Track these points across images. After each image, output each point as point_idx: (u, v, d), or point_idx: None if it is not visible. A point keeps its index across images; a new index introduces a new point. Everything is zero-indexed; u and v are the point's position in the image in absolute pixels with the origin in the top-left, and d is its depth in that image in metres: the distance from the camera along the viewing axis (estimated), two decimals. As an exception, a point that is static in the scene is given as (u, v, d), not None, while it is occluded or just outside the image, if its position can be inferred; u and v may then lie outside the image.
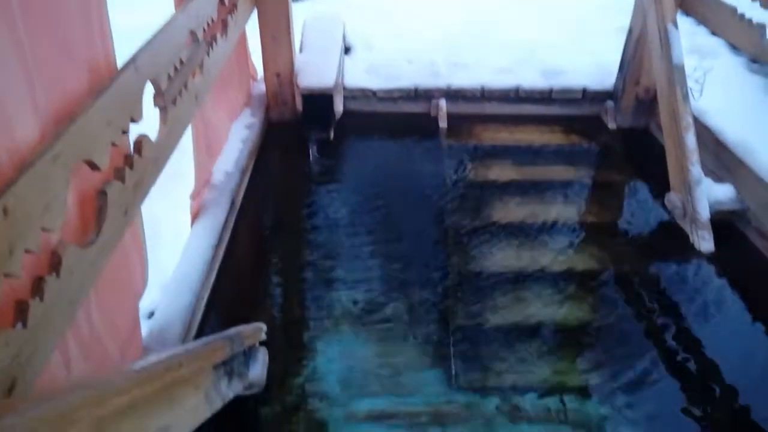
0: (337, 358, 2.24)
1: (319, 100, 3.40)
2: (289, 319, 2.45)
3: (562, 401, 2.08)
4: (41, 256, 1.22)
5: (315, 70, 3.45)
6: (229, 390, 1.52)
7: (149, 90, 1.79)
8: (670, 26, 2.98)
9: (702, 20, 3.78)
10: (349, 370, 2.19)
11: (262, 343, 1.90)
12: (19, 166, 1.14)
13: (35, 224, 1.15)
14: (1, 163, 1.11)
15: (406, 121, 3.80)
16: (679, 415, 2.05)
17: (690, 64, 3.14)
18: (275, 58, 3.49)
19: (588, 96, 3.81)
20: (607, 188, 3.29)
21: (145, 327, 2.05)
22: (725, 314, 2.47)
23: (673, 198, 2.87)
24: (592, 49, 4.09)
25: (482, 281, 2.58)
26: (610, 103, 3.76)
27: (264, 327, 1.87)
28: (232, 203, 2.83)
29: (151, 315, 2.17)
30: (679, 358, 2.26)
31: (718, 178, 2.92)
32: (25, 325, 1.12)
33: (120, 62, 1.63)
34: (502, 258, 2.71)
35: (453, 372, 2.17)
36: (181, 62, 2.04)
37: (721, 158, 2.97)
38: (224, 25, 2.64)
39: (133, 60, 1.65)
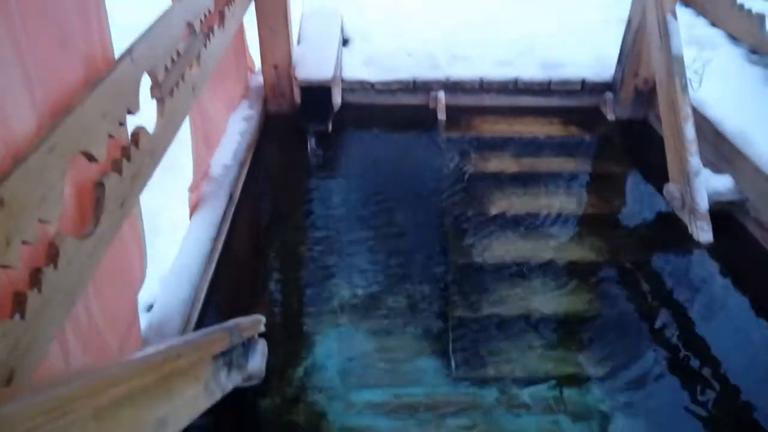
0: (337, 349, 2.25)
1: (317, 93, 3.39)
2: (289, 312, 2.45)
3: (560, 392, 2.09)
4: (39, 247, 1.22)
5: (313, 62, 3.44)
6: (229, 381, 1.52)
7: (146, 82, 1.79)
8: (669, 17, 2.97)
9: (701, 11, 3.78)
10: (348, 362, 2.20)
11: (261, 335, 1.90)
12: (16, 158, 1.14)
13: (32, 216, 1.15)
14: (-3, 154, 1.11)
15: (404, 114, 3.79)
16: (678, 406, 2.06)
17: (689, 55, 3.14)
18: (273, 50, 3.48)
19: (587, 87, 3.80)
20: (606, 179, 3.29)
21: (144, 320, 2.06)
22: (724, 305, 2.48)
23: (672, 189, 2.87)
24: (591, 41, 4.08)
25: (481, 273, 2.58)
26: (609, 95, 3.75)
27: (263, 319, 1.87)
28: (231, 196, 2.82)
29: (150, 308, 2.17)
30: (677, 348, 2.26)
31: (717, 169, 2.92)
32: (23, 316, 1.12)
33: (118, 54, 1.62)
34: (501, 249, 2.71)
35: (452, 363, 2.18)
36: (178, 54, 2.03)
37: (720, 149, 2.97)
38: (221, 17, 2.63)
39: (129, 51, 1.64)
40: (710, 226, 2.69)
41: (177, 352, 1.18)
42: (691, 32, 3.85)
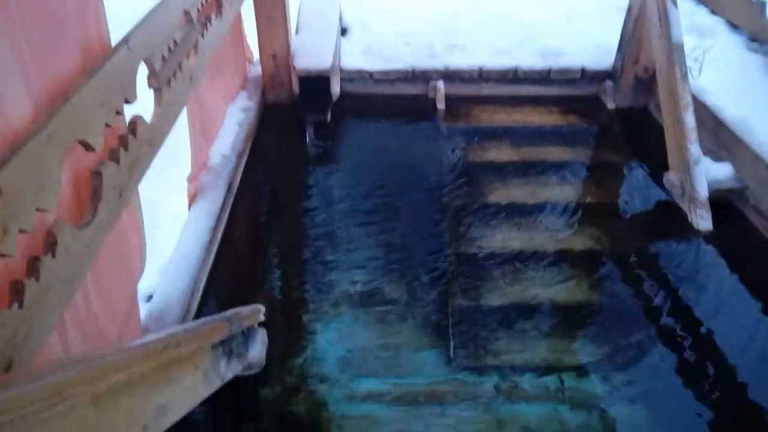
0: (337, 339, 2.25)
1: (315, 82, 3.38)
2: (288, 301, 2.45)
3: (560, 380, 2.09)
4: (36, 236, 1.21)
5: (311, 52, 3.42)
6: (228, 370, 1.53)
7: (144, 72, 1.78)
8: (669, 4, 2.95)
9: (702, -1, 3.76)
10: (348, 351, 2.20)
11: (261, 325, 1.90)
12: (13, 146, 1.13)
13: (29, 204, 1.14)
14: (-7, 142, 1.10)
15: (403, 103, 3.78)
16: (677, 393, 2.07)
17: (689, 43, 3.12)
18: (271, 39, 3.46)
19: (587, 76, 3.79)
20: (606, 168, 3.28)
21: (144, 310, 2.06)
22: (723, 293, 2.48)
23: (671, 177, 2.87)
24: (591, 29, 4.05)
25: (481, 262, 2.58)
26: (609, 83, 3.74)
27: (262, 308, 1.87)
28: (229, 186, 2.82)
29: (149, 298, 2.17)
30: (676, 336, 2.26)
31: (717, 157, 2.92)
32: (21, 305, 1.12)
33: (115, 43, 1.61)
34: (500, 239, 2.71)
35: (452, 352, 2.18)
36: (175, 43, 2.02)
37: (720, 137, 2.96)
38: (219, 6, 2.61)
39: (125, 40, 1.62)
40: (710, 214, 2.69)
41: (176, 340, 1.18)
42: (691, 20, 3.83)
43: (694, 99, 2.93)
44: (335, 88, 3.56)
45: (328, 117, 3.49)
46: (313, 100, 3.45)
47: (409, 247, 2.66)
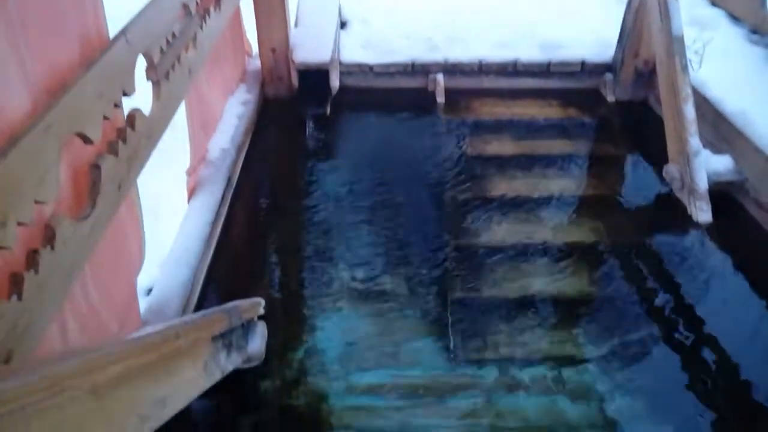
0: (337, 332, 2.25)
1: (315, 76, 3.37)
2: (288, 295, 2.45)
3: (560, 373, 2.09)
4: (35, 229, 1.21)
5: (311, 45, 3.41)
6: (228, 362, 1.53)
7: (142, 65, 1.77)
8: (669, -4, 2.94)
9: (702, -9, 3.74)
10: (348, 344, 2.20)
11: (261, 318, 1.90)
12: (11, 138, 1.13)
13: (28, 196, 1.14)
14: (-9, 134, 1.10)
15: (403, 97, 3.77)
16: (677, 385, 2.07)
17: (689, 35, 3.11)
18: (270, 33, 3.45)
19: (587, 69, 3.77)
20: (606, 161, 3.27)
21: (144, 303, 2.06)
22: (722, 285, 2.48)
23: (671, 169, 2.86)
24: (591, 22, 4.04)
25: (481, 255, 2.58)
26: (609, 76, 3.73)
27: (262, 301, 1.88)
28: (229, 180, 2.82)
29: (149, 291, 2.17)
30: (676, 329, 2.26)
31: (717, 150, 2.91)
32: (20, 297, 1.12)
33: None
34: (500, 232, 2.71)
35: (451, 345, 2.18)
36: (174, 36, 2.02)
37: (720, 129, 2.96)
38: (217, -1, 2.60)
39: (123, 32, 1.62)
40: (709, 206, 2.69)
41: (176, 332, 1.18)
42: (691, 12, 3.81)
43: (694, 91, 2.92)
44: (335, 82, 3.55)
45: (328, 110, 3.49)
46: (312, 94, 3.44)
47: (408, 241, 2.66)
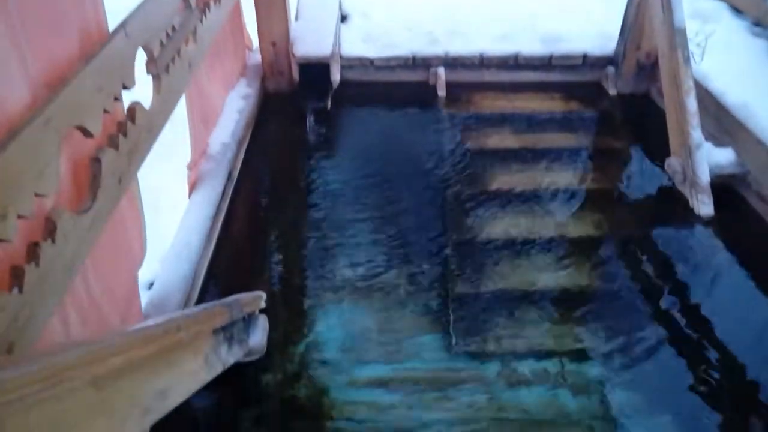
0: (338, 326, 2.25)
1: (315, 69, 3.36)
2: (289, 289, 2.45)
3: (561, 366, 2.09)
4: (36, 222, 1.21)
5: (311, 39, 3.40)
6: (230, 355, 1.53)
7: (142, 59, 1.77)
8: (671, -12, 2.92)
9: (704, -17, 3.72)
10: (349, 338, 2.20)
11: (262, 311, 1.90)
12: (11, 131, 1.13)
13: (28, 189, 1.14)
14: (-9, 127, 1.10)
15: (404, 90, 3.76)
16: (678, 380, 2.07)
17: (692, 28, 3.10)
18: (271, 26, 3.44)
19: (588, 62, 3.76)
20: (608, 154, 3.27)
21: (145, 297, 2.06)
22: (724, 278, 2.47)
23: (673, 162, 2.86)
24: (593, 14, 4.02)
25: (482, 249, 2.58)
26: (610, 69, 3.71)
27: (263, 295, 1.88)
28: (230, 174, 2.81)
29: (150, 285, 2.17)
30: (678, 322, 2.26)
31: (719, 142, 2.90)
32: (21, 290, 1.12)
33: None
34: (501, 225, 2.70)
35: (452, 338, 2.18)
36: (174, 29, 2.01)
37: (722, 122, 2.95)
38: (218, -8, 2.59)
39: (123, 25, 1.62)
40: (711, 199, 2.68)
41: (177, 324, 1.18)
42: (693, 5, 3.79)
43: (696, 84, 2.91)
44: (335, 76, 3.54)
45: (329, 104, 3.48)
46: (313, 88, 3.44)
47: (409, 234, 2.66)
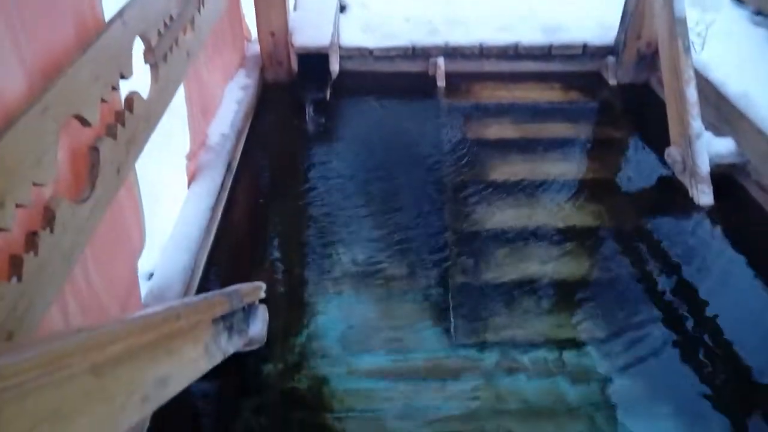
0: (338, 316, 2.25)
1: (314, 60, 3.35)
2: (289, 278, 2.45)
3: (560, 355, 2.09)
4: (34, 211, 1.21)
5: (310, 29, 3.39)
6: (229, 345, 1.53)
7: (140, 48, 1.76)
8: (672, -23, 2.91)
9: (705, -29, 3.70)
10: (349, 328, 2.20)
11: (262, 302, 1.90)
12: (8, 120, 1.12)
13: (26, 178, 1.14)
14: (-13, 115, 1.09)
15: (403, 81, 3.75)
16: (677, 368, 2.07)
17: (692, 17, 3.09)
18: (269, 17, 3.43)
19: (588, 51, 3.75)
20: (607, 144, 3.26)
21: (145, 287, 2.06)
22: (724, 268, 2.47)
23: (673, 152, 2.85)
24: (593, 4, 4.01)
25: (482, 239, 2.58)
26: (610, 59, 3.70)
27: (263, 285, 1.88)
28: (229, 165, 2.81)
29: (150, 276, 2.17)
30: (677, 311, 2.27)
31: (719, 132, 2.90)
32: (20, 279, 1.12)
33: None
34: (501, 216, 2.70)
35: (452, 328, 2.18)
36: (171, 18, 2.00)
37: (722, 111, 2.94)
38: (215, -18, 2.58)
39: (120, 14, 1.61)
40: (711, 189, 2.68)
41: (177, 313, 1.18)
42: (694, -6, 3.78)
43: (697, 73, 2.90)
44: (334, 66, 3.53)
45: (328, 95, 3.47)
46: (312, 78, 3.43)
47: (409, 224, 2.66)
